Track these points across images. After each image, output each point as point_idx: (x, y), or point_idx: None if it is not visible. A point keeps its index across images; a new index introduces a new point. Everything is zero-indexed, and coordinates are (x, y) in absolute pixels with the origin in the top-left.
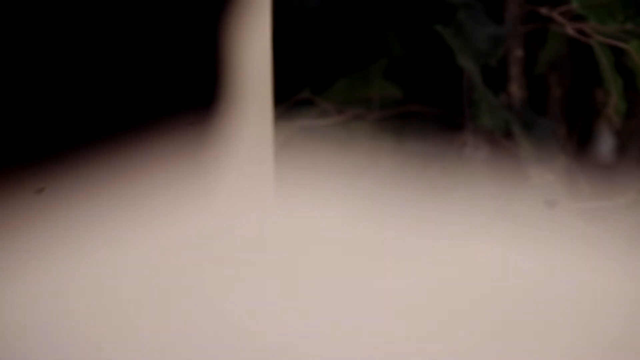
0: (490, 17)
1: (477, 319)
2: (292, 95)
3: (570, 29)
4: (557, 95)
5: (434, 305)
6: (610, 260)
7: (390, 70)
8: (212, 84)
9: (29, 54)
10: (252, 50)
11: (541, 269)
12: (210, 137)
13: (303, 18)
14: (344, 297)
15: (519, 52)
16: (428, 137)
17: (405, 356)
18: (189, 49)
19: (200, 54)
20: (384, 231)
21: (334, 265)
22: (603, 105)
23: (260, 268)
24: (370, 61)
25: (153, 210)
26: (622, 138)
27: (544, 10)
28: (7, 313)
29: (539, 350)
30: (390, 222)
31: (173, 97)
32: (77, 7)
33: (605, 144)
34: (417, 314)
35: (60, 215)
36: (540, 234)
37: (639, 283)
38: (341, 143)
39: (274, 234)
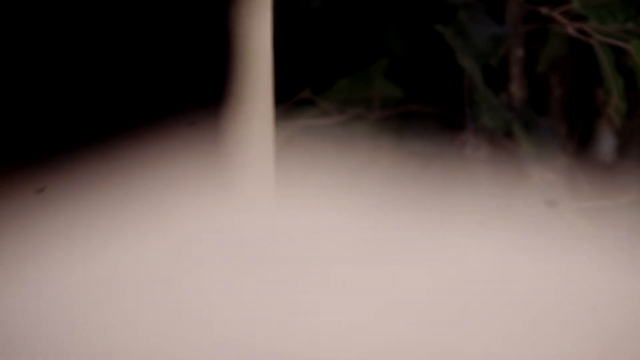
0: (491, 17)
1: (477, 318)
2: (293, 95)
3: (571, 29)
4: (557, 95)
5: (434, 305)
6: (611, 259)
7: (391, 70)
8: (213, 83)
9: (29, 53)
10: (252, 50)
11: (542, 268)
12: (211, 137)
13: (304, 18)
14: (344, 296)
15: (519, 52)
16: (428, 136)
17: (404, 356)
18: (190, 50)
19: (200, 54)
20: (385, 230)
21: (335, 264)
22: (604, 105)
23: (260, 266)
24: (371, 61)
25: (152, 210)
26: (622, 138)
27: (544, 10)
28: (8, 313)
29: (539, 349)
30: (390, 221)
31: (173, 97)
32: (78, 6)
33: (606, 143)
34: (416, 313)
35: (60, 215)
36: (540, 233)
37: None
38: (342, 142)
39: (274, 233)
